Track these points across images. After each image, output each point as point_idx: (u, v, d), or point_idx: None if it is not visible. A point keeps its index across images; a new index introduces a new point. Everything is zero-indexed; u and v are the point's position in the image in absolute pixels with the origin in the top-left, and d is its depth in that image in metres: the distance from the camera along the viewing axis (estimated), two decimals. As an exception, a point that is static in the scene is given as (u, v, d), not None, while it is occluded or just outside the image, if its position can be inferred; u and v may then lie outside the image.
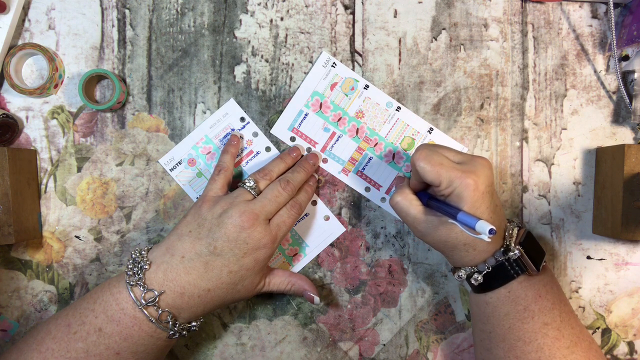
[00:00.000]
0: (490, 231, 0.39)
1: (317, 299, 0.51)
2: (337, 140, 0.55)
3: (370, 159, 0.55)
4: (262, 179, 0.50)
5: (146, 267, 0.45)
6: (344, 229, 0.55)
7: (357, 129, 0.55)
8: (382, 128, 0.55)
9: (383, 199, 0.55)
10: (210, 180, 0.50)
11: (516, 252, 0.44)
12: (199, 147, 0.55)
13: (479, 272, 0.46)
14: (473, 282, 0.46)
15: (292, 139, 0.55)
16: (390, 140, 0.55)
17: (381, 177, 0.55)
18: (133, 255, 0.46)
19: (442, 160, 0.44)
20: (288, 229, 0.49)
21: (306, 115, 0.55)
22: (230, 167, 0.51)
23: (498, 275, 0.45)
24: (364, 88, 0.55)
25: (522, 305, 0.45)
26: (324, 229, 0.55)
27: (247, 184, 0.49)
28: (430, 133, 0.55)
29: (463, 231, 0.43)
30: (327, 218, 0.55)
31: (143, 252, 0.47)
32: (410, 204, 0.47)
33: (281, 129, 0.55)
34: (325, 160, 0.55)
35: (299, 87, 0.55)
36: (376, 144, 0.55)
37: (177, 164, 0.55)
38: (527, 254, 0.45)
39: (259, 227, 0.46)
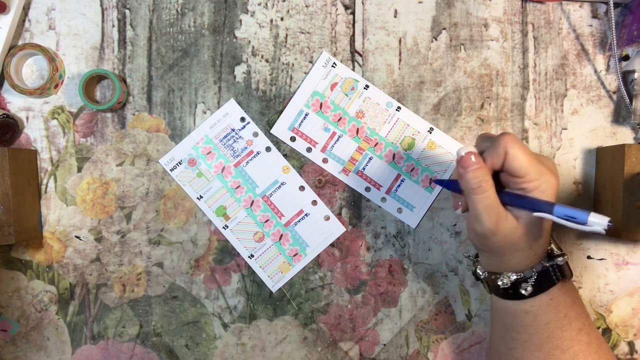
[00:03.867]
0: (610, 222, 0.37)
1: None
2: (337, 140, 0.55)
3: (370, 159, 0.55)
4: None
5: None
6: (344, 229, 0.55)
7: (358, 129, 0.55)
8: (382, 128, 0.55)
9: (383, 199, 0.55)
10: None
11: (565, 257, 0.43)
12: (199, 147, 0.55)
13: (526, 280, 0.43)
14: (522, 291, 0.43)
15: (292, 139, 0.55)
16: (390, 140, 0.55)
17: (381, 177, 0.55)
18: None
19: (531, 151, 0.40)
20: None
21: (306, 115, 0.55)
22: None
23: (541, 281, 0.43)
24: (364, 88, 0.55)
25: (563, 312, 0.43)
26: (324, 229, 0.55)
27: None
28: (430, 133, 0.55)
29: (528, 232, 0.41)
30: (327, 218, 0.55)
31: None
32: (499, 201, 0.41)
33: (281, 129, 0.55)
34: (325, 160, 0.55)
35: (299, 87, 0.55)
36: (376, 144, 0.55)
37: (177, 164, 0.55)
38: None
39: None
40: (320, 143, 0.55)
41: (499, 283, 0.44)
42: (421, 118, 0.55)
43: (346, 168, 0.55)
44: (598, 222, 0.37)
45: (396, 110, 0.55)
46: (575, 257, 0.56)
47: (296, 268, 0.55)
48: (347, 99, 0.55)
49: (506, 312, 0.45)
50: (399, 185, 0.55)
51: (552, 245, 0.44)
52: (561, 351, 0.43)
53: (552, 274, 0.43)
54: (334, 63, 0.55)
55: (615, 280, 0.56)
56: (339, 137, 0.55)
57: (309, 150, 0.55)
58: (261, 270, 0.55)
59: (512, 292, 0.44)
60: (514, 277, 0.43)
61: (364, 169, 0.55)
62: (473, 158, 0.41)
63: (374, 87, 0.55)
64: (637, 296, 0.56)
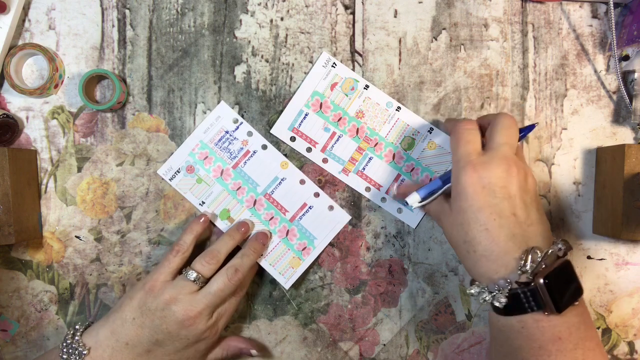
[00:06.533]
0: (405, 203, 0.47)
1: (254, 352, 0.53)
2: (337, 140, 0.55)
3: (370, 159, 0.55)
4: (208, 264, 0.49)
5: (85, 352, 0.46)
6: (349, 217, 0.55)
7: (357, 129, 0.55)
8: (382, 128, 0.55)
9: (383, 199, 0.55)
10: (164, 261, 0.49)
11: (539, 281, 0.38)
12: (195, 154, 0.55)
13: (490, 292, 0.41)
14: (481, 301, 0.42)
15: (292, 138, 0.55)
16: (390, 140, 0.55)
17: (381, 177, 0.55)
18: (67, 341, 0.46)
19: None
20: (231, 315, 0.51)
21: (306, 115, 0.55)
22: (190, 249, 0.50)
23: (510, 304, 0.40)
24: (364, 88, 0.55)
25: (537, 343, 0.40)
26: (329, 219, 0.55)
27: (190, 276, 0.48)
28: (430, 133, 0.55)
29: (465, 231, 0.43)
30: (331, 208, 0.55)
31: (77, 337, 0.47)
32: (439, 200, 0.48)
33: (281, 129, 0.55)
34: (325, 160, 0.55)
35: (299, 87, 0.55)
36: (376, 144, 0.55)
37: (175, 172, 0.54)
38: (553, 288, 0.38)
39: (201, 323, 0.47)
40: (320, 143, 0.55)
41: (468, 292, 0.43)
42: (421, 118, 0.55)
43: (346, 168, 0.55)
44: (410, 201, 0.49)
45: (396, 110, 0.55)
46: (575, 257, 0.56)
47: (307, 262, 0.55)
48: (347, 99, 0.55)
49: (489, 321, 0.45)
50: (399, 185, 0.55)
51: (527, 264, 0.39)
52: None
53: (523, 299, 0.39)
54: (334, 63, 0.55)
55: (615, 280, 0.56)
56: (339, 137, 0.55)
57: (309, 150, 0.55)
58: (272, 268, 0.55)
59: (483, 301, 0.42)
60: (475, 288, 0.42)
61: (364, 169, 0.55)
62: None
63: (374, 87, 0.55)
64: (637, 296, 0.56)
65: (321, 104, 0.55)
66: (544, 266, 0.39)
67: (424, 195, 0.49)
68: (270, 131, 0.55)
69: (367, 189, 0.55)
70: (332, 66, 0.55)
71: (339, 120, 0.55)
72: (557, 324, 0.40)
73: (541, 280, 0.38)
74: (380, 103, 0.55)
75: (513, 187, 0.42)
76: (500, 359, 0.45)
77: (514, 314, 0.40)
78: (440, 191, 0.48)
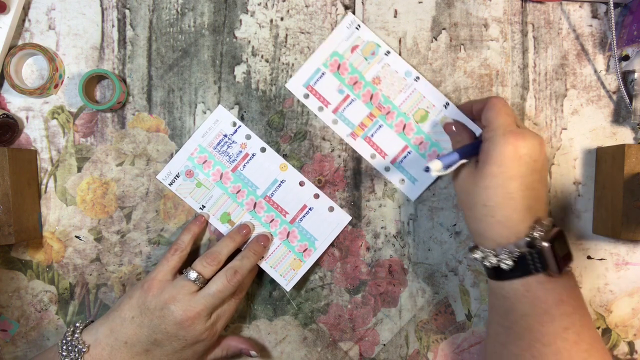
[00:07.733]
0: (426, 168, 0.44)
1: (253, 352, 0.53)
2: (350, 103, 0.55)
3: (380, 126, 0.55)
4: (209, 265, 0.49)
5: (84, 350, 0.46)
6: (350, 217, 0.55)
7: (372, 95, 0.55)
8: (397, 97, 0.54)
9: (387, 168, 0.55)
10: (163, 260, 0.50)
11: (544, 244, 0.42)
12: (194, 158, 0.55)
13: (496, 256, 0.44)
14: (486, 263, 0.45)
15: (306, 95, 0.55)
16: (403, 110, 0.54)
17: (389, 146, 0.55)
18: (67, 338, 0.47)
19: (509, 117, 0.47)
20: (230, 316, 0.51)
21: (323, 74, 0.54)
22: (188, 248, 0.51)
23: (516, 265, 0.43)
24: (385, 54, 0.54)
25: (542, 308, 0.43)
26: (329, 220, 0.55)
27: (191, 276, 0.48)
28: (446, 108, 0.54)
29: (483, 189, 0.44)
30: (331, 209, 0.55)
31: (77, 334, 0.47)
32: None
33: (296, 85, 0.54)
34: (335, 122, 0.55)
35: (320, 45, 0.54)
36: (388, 112, 0.55)
37: (175, 177, 0.54)
38: (554, 251, 0.43)
39: (199, 324, 0.47)
40: (332, 104, 0.55)
41: (471, 256, 0.47)
42: (439, 91, 0.54)
43: (355, 132, 0.55)
44: (433, 167, 0.45)
45: (414, 80, 0.54)
46: (575, 257, 0.56)
47: (308, 263, 0.55)
48: (366, 63, 0.54)
49: (492, 294, 0.47)
50: (405, 157, 0.55)
51: (536, 233, 0.43)
52: (542, 345, 0.43)
53: (530, 261, 0.43)
54: (358, 25, 0.54)
55: (615, 280, 0.56)
56: (352, 100, 0.55)
57: (320, 109, 0.55)
58: (273, 270, 0.55)
59: (485, 267, 0.46)
60: (479, 253, 0.45)
61: (372, 135, 0.55)
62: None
63: (395, 53, 0.54)
64: (637, 296, 0.56)
65: (339, 65, 0.54)
66: (543, 233, 0.44)
67: (446, 165, 0.47)
68: (285, 85, 0.54)
69: (373, 156, 0.55)
70: (357, 28, 0.54)
71: (354, 83, 0.55)
72: (558, 285, 0.43)
73: (545, 243, 0.42)
74: (399, 71, 0.54)
75: (540, 162, 0.44)
76: (501, 339, 0.45)
77: (516, 276, 0.43)
78: (457, 164, 0.47)
